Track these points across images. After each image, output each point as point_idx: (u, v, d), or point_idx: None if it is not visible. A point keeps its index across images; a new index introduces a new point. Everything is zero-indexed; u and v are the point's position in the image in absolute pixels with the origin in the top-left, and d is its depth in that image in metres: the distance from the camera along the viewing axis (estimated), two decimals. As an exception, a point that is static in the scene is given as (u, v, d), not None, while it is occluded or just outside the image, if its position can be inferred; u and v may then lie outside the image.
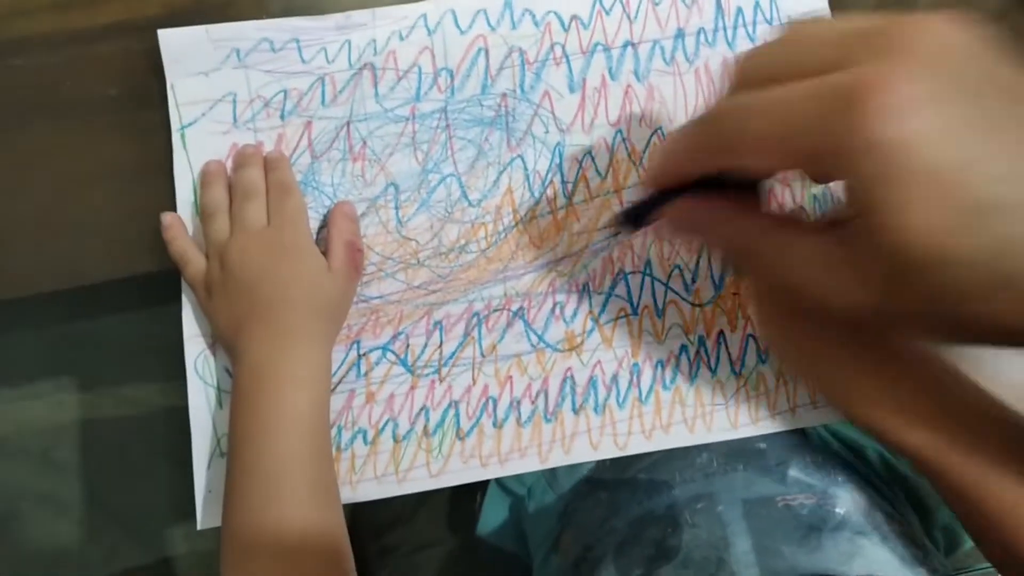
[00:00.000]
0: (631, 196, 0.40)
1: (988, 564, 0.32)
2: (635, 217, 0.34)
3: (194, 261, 0.38)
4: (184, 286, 0.39)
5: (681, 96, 0.42)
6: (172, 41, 0.40)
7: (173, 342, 0.39)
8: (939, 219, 0.19)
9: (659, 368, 0.39)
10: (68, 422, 0.39)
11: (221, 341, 0.37)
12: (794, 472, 0.43)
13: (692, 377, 0.39)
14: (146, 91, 0.41)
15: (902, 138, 0.19)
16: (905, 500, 0.48)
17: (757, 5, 0.42)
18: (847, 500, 0.41)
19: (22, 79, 0.41)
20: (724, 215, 0.27)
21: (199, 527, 0.37)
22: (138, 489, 0.38)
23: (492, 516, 0.54)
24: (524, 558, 0.54)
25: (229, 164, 0.40)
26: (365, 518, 0.35)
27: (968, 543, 0.50)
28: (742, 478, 0.43)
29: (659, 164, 0.28)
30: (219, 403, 0.38)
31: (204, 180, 0.39)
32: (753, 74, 0.24)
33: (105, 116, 0.41)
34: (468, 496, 0.53)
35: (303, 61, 0.41)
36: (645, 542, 0.41)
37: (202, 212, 0.38)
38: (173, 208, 0.40)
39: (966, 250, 0.20)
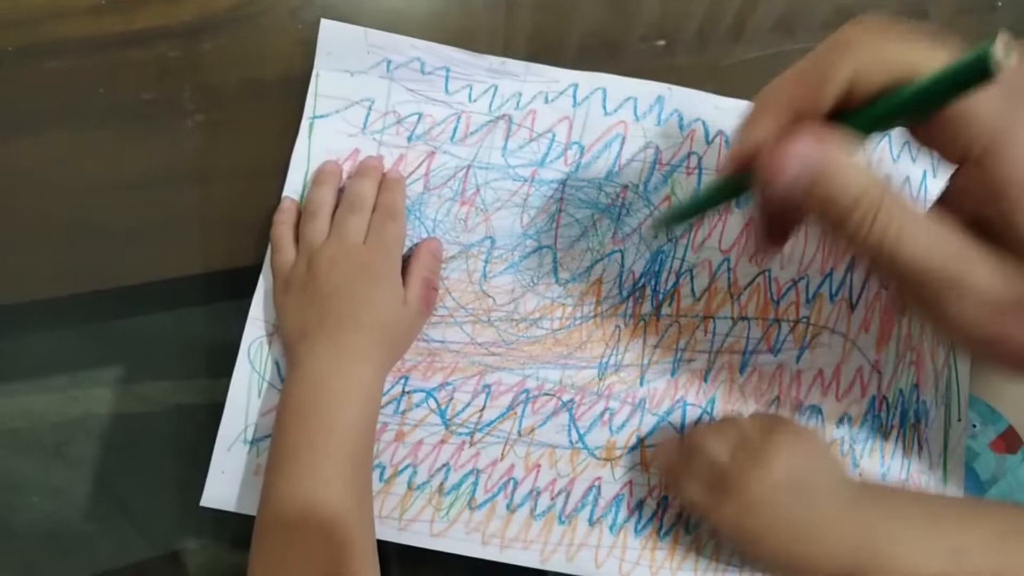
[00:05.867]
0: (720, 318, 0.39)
1: None
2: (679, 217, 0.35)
3: (286, 251, 0.38)
4: (264, 271, 0.39)
5: (800, 246, 0.40)
6: (331, 33, 0.41)
7: (193, 342, 0.39)
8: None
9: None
10: (82, 417, 0.40)
11: (282, 338, 0.38)
12: None
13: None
14: (179, 97, 0.41)
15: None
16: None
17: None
18: None
19: (56, 82, 0.41)
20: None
21: (202, 503, 0.37)
22: (150, 485, 0.39)
23: None
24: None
25: (345, 168, 0.40)
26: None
27: None
28: None
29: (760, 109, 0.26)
30: (259, 392, 0.38)
31: (318, 178, 0.39)
32: None
33: (139, 121, 0.41)
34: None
35: (447, 92, 0.41)
36: None
37: (306, 208, 0.39)
38: (201, 215, 0.40)
39: None
